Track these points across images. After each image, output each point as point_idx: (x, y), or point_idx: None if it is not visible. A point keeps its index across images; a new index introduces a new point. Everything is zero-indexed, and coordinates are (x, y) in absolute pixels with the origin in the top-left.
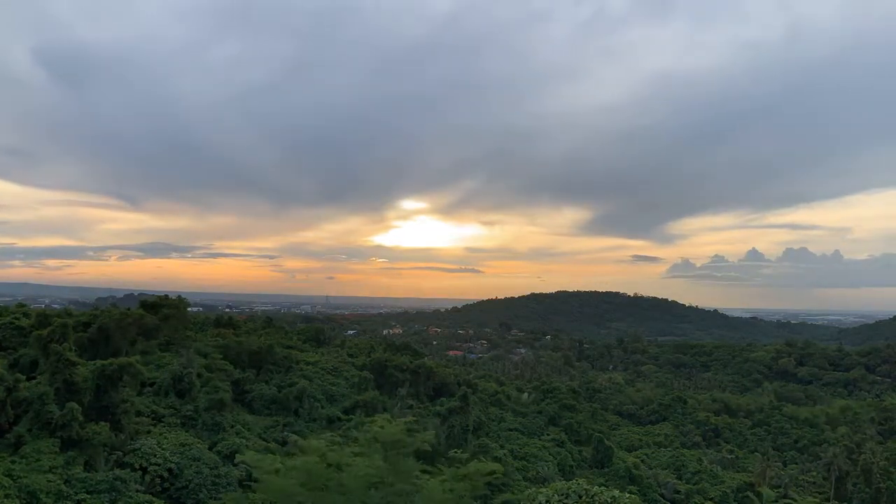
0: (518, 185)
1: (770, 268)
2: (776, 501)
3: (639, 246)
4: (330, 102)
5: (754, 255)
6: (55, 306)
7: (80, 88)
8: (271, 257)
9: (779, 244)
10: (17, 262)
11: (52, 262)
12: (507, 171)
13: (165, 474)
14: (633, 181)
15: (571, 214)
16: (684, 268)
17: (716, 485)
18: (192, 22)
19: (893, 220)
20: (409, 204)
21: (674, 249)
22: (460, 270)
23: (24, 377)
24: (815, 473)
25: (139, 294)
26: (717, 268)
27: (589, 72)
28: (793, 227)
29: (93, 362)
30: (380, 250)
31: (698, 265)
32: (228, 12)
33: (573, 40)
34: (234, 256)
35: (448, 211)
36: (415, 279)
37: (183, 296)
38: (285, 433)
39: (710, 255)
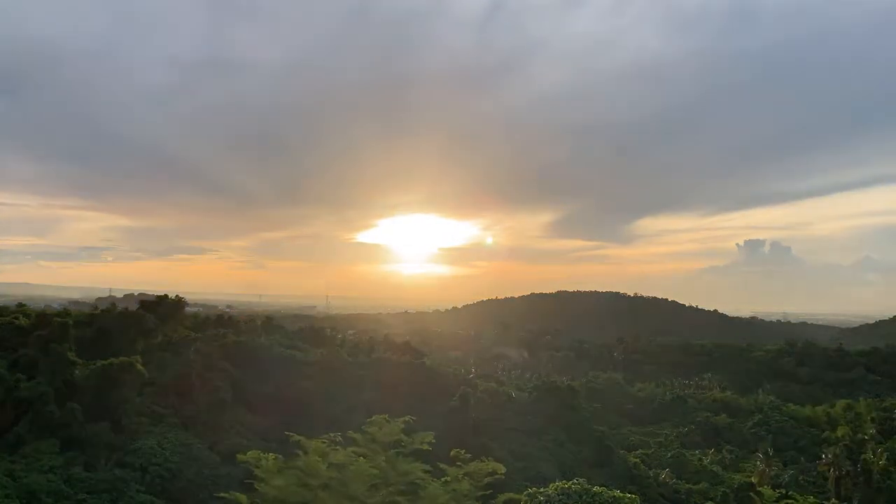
0: (475, 185)
1: (739, 267)
2: (777, 501)
3: (604, 247)
4: (263, 101)
5: (720, 254)
6: (55, 306)
7: (16, 89)
8: (263, 256)
9: (749, 243)
10: (16, 264)
11: (50, 264)
12: (459, 172)
13: (166, 474)
14: (592, 181)
15: (535, 216)
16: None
17: (716, 485)
18: (103, 23)
19: (842, 220)
20: (371, 205)
21: (636, 250)
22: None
23: (25, 377)
24: (815, 473)
25: (139, 294)
26: (691, 270)
27: (522, 64)
28: (765, 227)
29: (93, 362)
30: (363, 248)
31: (669, 264)
32: (128, 13)
33: (496, 29)
34: (224, 257)
35: (411, 211)
36: (408, 279)
37: (181, 296)
38: (286, 433)
39: (676, 254)
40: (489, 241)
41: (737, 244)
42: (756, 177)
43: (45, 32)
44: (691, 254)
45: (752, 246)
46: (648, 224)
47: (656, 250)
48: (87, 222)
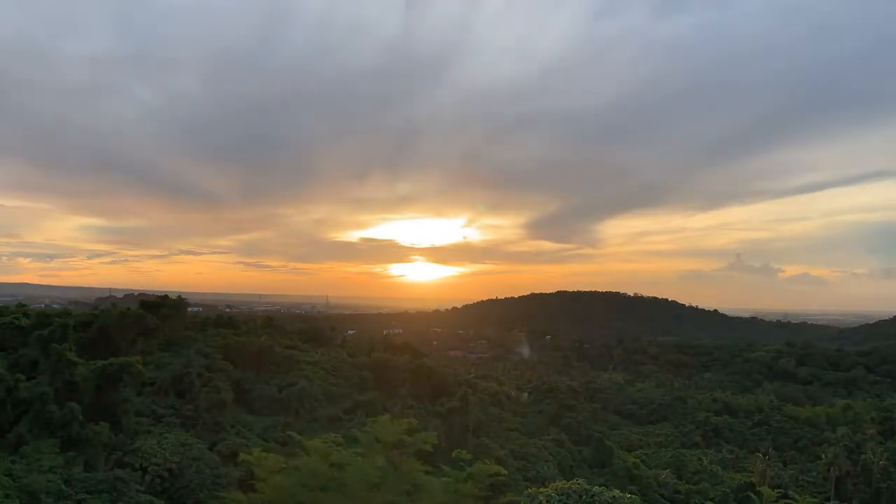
0: (444, 184)
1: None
2: (776, 501)
3: (583, 247)
4: (204, 99)
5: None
6: (55, 306)
7: None
8: (257, 257)
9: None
10: (16, 263)
11: (50, 263)
12: (414, 171)
13: (165, 474)
14: (557, 179)
15: (510, 217)
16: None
17: (716, 485)
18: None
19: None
20: (345, 204)
21: (617, 249)
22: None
23: (25, 377)
24: (815, 473)
25: (139, 294)
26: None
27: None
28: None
29: (93, 362)
30: (351, 248)
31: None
32: (42, 11)
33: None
34: (220, 258)
35: (389, 211)
36: (404, 279)
37: (182, 296)
38: (287, 433)
39: (658, 253)
40: (469, 241)
41: (719, 244)
42: (733, 174)
43: None
44: (672, 253)
45: (732, 245)
46: (625, 224)
47: (635, 249)
48: (65, 222)
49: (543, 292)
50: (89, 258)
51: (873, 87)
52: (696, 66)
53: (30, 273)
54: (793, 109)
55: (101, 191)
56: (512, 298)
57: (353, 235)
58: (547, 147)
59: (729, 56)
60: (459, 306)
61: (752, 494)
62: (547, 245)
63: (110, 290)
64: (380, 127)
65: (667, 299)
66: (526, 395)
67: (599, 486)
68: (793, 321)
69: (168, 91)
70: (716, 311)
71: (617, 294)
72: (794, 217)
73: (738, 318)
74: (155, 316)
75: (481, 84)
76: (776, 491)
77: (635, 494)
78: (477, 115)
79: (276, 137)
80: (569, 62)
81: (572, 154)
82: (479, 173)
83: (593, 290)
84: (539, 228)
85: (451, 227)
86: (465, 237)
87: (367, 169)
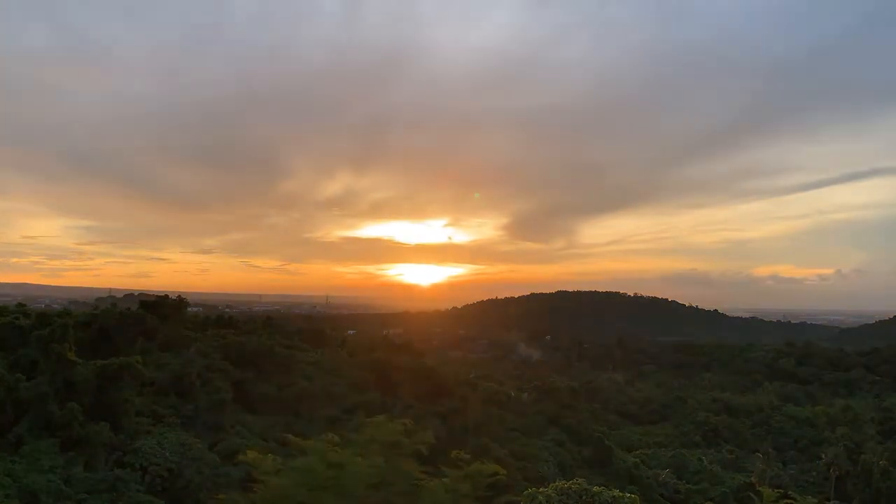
0: (408, 184)
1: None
2: (776, 501)
3: (571, 247)
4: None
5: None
6: (55, 306)
7: None
8: (251, 257)
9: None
10: (16, 263)
11: (49, 263)
12: (387, 170)
13: (165, 474)
14: (535, 178)
15: (491, 217)
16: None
17: (716, 485)
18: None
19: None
20: (324, 204)
21: (603, 249)
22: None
23: (25, 377)
24: (815, 473)
25: (139, 294)
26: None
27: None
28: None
29: (93, 362)
30: (336, 247)
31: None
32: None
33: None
34: (219, 258)
35: (374, 211)
36: (401, 279)
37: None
38: (283, 434)
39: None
40: (455, 242)
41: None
42: (720, 171)
43: None
44: (659, 252)
45: (722, 245)
46: (610, 224)
47: (623, 249)
48: (59, 222)
49: (543, 292)
50: (89, 258)
51: (865, 77)
52: (663, 54)
53: (30, 273)
54: (775, 102)
55: (87, 191)
56: (512, 298)
57: (338, 235)
58: (526, 145)
59: (701, 41)
60: (459, 306)
61: (751, 494)
62: (535, 245)
63: (110, 290)
64: (347, 125)
65: (667, 299)
66: (526, 395)
67: (599, 486)
68: (793, 321)
69: (126, 90)
70: (716, 311)
71: (617, 294)
72: (788, 216)
73: (738, 318)
74: (155, 316)
75: (440, 80)
76: (776, 491)
77: (635, 494)
78: (440, 113)
79: (246, 136)
80: (524, 54)
81: (551, 152)
82: (452, 172)
83: (593, 290)
84: (523, 228)
85: (433, 227)
86: (449, 237)
87: (339, 168)
